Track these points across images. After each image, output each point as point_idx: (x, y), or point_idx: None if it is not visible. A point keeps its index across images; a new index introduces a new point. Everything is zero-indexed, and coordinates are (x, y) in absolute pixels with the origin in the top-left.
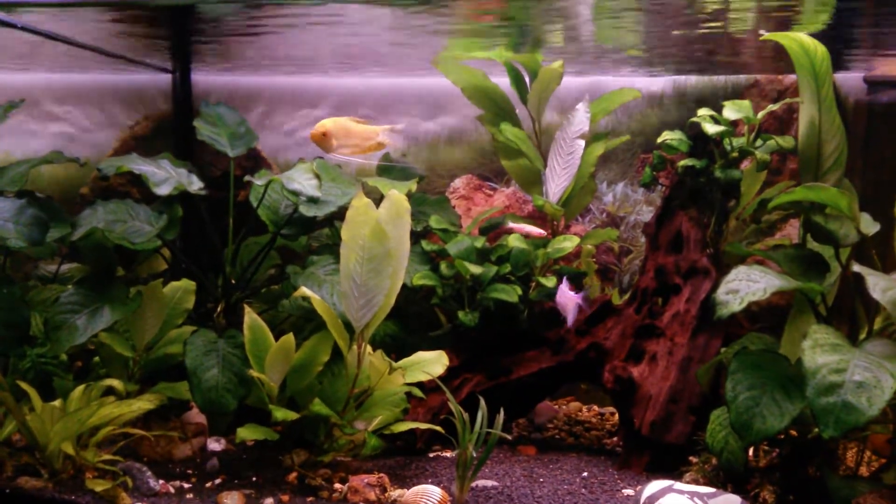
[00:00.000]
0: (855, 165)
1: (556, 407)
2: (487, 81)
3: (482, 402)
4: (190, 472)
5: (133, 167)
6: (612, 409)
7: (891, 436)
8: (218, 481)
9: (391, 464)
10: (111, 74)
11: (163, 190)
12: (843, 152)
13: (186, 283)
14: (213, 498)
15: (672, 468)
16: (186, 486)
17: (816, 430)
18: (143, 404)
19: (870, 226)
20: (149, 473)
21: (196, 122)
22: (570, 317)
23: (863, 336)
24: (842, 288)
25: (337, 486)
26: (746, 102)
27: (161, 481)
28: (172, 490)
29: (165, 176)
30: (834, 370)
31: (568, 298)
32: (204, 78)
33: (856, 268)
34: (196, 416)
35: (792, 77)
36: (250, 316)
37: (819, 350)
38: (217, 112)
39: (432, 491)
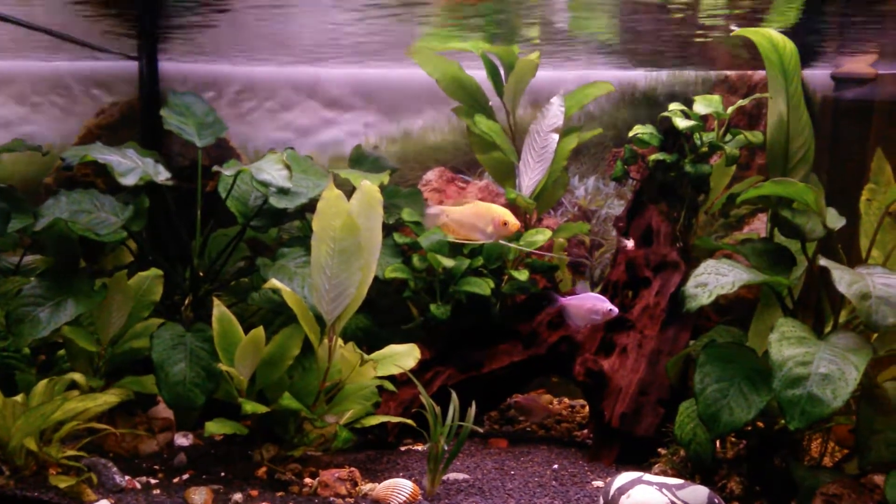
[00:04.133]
0: (822, 161)
1: (549, 404)
2: (462, 73)
3: (454, 395)
4: (157, 467)
5: (98, 157)
6: (582, 401)
7: (853, 427)
8: (185, 477)
9: (362, 458)
10: (75, 61)
11: (129, 180)
12: (811, 148)
13: (153, 273)
14: (181, 493)
15: (641, 460)
16: (153, 481)
17: (783, 421)
18: (109, 399)
19: (836, 221)
20: (114, 469)
21: (163, 111)
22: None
23: (828, 329)
24: (808, 281)
25: (307, 480)
26: (717, 97)
27: (127, 477)
28: (139, 486)
29: (131, 166)
30: (800, 363)
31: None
32: (171, 66)
33: (822, 262)
34: (163, 410)
35: (761, 73)
36: (219, 309)
37: (786, 343)
38: (185, 101)
39: (403, 484)
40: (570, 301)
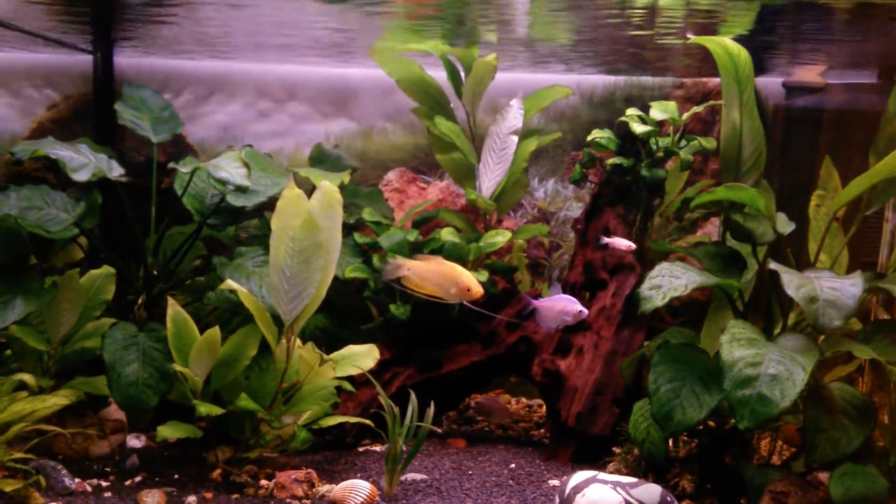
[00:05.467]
0: (773, 167)
1: (507, 404)
2: (423, 74)
3: (412, 395)
4: (108, 469)
5: (49, 151)
6: (539, 400)
7: (800, 426)
8: (138, 479)
9: (319, 459)
10: (27, 53)
11: (81, 176)
12: (762, 154)
13: (106, 271)
14: (133, 496)
15: (596, 459)
16: (104, 484)
17: (733, 421)
18: (58, 400)
19: (785, 225)
20: (64, 472)
21: (117, 106)
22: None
23: (777, 331)
24: (758, 284)
25: (263, 482)
26: (672, 104)
27: (77, 480)
28: (89, 488)
29: (84, 161)
30: (750, 363)
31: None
32: (127, 60)
33: (772, 265)
34: (115, 412)
35: (716, 80)
36: (174, 308)
37: (736, 344)
38: (140, 95)
39: (361, 486)
40: (541, 303)
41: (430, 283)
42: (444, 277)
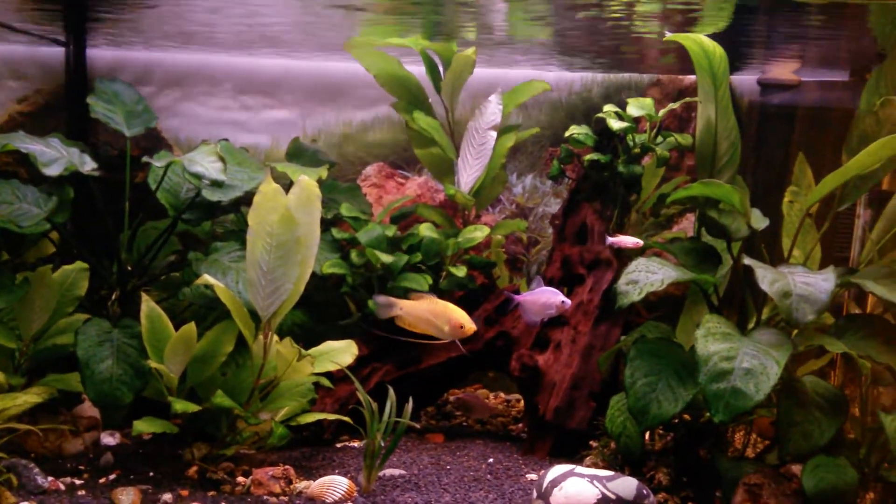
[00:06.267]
0: (747, 163)
1: (486, 399)
2: (401, 69)
3: (391, 391)
4: (82, 467)
5: (20, 146)
6: (517, 395)
7: (774, 419)
8: (112, 477)
9: (297, 455)
10: None
11: (52, 170)
12: (737, 150)
13: (79, 267)
14: (108, 494)
15: (574, 452)
16: (78, 482)
17: (708, 414)
18: (30, 398)
19: (759, 221)
20: (36, 470)
21: (90, 99)
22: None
23: (751, 325)
24: (733, 279)
25: (240, 479)
26: (649, 100)
27: (50, 478)
28: (63, 487)
29: (55, 155)
30: (725, 357)
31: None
32: (101, 53)
33: (746, 260)
34: (89, 409)
35: (692, 77)
36: (148, 304)
37: (711, 338)
38: (113, 88)
39: (339, 482)
40: (524, 297)
41: (423, 322)
42: (436, 315)
